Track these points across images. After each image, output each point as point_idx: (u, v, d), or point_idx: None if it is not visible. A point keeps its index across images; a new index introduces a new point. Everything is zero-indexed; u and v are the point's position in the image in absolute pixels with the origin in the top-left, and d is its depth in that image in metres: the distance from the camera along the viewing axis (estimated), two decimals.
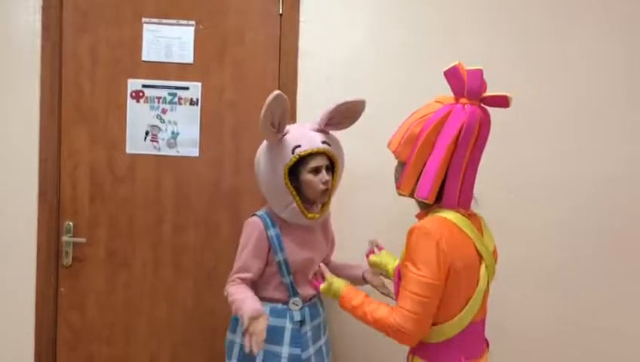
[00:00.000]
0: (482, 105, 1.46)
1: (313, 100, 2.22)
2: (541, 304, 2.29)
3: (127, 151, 2.25)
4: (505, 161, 2.24)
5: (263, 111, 1.68)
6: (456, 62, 1.44)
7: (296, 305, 1.83)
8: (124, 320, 2.27)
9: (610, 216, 2.28)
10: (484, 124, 1.46)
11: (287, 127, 1.81)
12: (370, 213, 2.25)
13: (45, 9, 2.21)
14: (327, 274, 1.67)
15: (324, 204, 1.85)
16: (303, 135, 1.80)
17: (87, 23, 2.23)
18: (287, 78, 2.25)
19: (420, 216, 1.54)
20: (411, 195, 1.50)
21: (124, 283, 2.26)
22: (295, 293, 1.83)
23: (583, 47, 2.27)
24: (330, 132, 1.88)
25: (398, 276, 1.49)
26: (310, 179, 1.78)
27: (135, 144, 2.25)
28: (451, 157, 1.43)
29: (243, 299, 1.71)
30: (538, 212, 2.28)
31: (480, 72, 1.43)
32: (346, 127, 1.88)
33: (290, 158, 1.76)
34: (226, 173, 2.26)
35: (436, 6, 2.26)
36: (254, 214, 1.87)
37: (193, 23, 2.24)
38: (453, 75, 1.44)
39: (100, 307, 2.26)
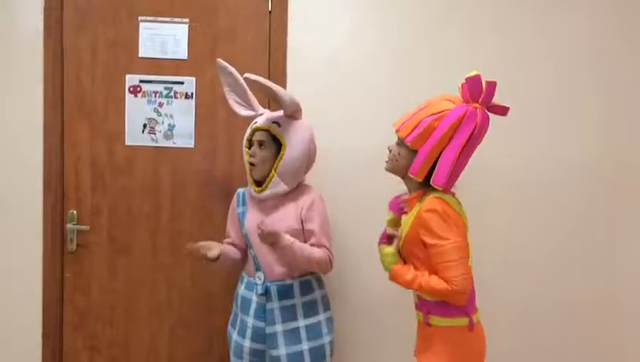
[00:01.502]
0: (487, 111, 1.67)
1: (303, 94, 2.30)
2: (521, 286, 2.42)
3: (127, 143, 2.37)
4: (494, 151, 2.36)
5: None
6: (477, 72, 1.63)
7: (259, 278, 1.97)
8: (126, 302, 2.39)
9: (586, 203, 2.40)
10: (487, 126, 1.68)
11: (268, 110, 2.07)
12: (360, 198, 2.37)
13: (47, 10, 2.32)
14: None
15: (265, 181, 1.97)
16: (265, 114, 2.04)
17: (86, 22, 2.34)
18: (276, 72, 2.36)
19: (414, 198, 1.72)
20: (423, 180, 1.67)
21: (125, 268, 2.39)
22: (257, 267, 1.98)
23: (557, 41, 2.38)
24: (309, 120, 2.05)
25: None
26: (245, 152, 2.01)
27: (134, 136, 2.37)
28: (461, 152, 1.64)
29: None
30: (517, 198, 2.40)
31: (495, 84, 1.63)
32: (281, 109, 2.00)
33: (248, 132, 2.02)
34: (219, 162, 2.38)
35: (414, 1, 2.36)
36: (241, 189, 2.14)
37: (187, 21, 2.35)
38: (475, 82, 1.63)
39: (102, 290, 2.39)
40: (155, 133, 2.38)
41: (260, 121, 2.01)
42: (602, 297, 2.42)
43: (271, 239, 1.86)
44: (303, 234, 1.97)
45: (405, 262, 1.75)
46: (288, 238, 1.88)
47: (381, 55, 2.37)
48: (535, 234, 2.40)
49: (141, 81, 2.36)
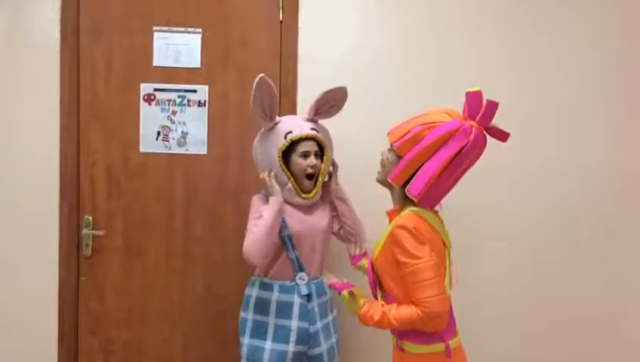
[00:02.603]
0: (485, 131, 1.58)
1: (312, 99, 2.38)
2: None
3: (141, 150, 2.42)
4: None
5: (252, 99, 1.89)
6: (478, 88, 1.56)
7: (303, 279, 1.98)
8: (140, 305, 2.44)
9: (594, 204, 2.44)
10: (481, 148, 1.59)
11: (280, 117, 2.02)
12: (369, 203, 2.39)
13: (63, 20, 2.38)
14: (357, 292, 1.72)
15: (316, 186, 2.02)
16: (293, 123, 2.02)
17: (101, 32, 2.39)
18: (287, 80, 2.40)
19: (393, 212, 1.68)
20: (400, 187, 1.63)
21: (139, 272, 2.44)
22: (301, 268, 1.98)
23: (566, 44, 2.43)
24: (320, 121, 2.07)
25: (371, 266, 1.69)
26: (300, 162, 1.97)
27: (148, 143, 2.42)
28: (445, 167, 1.56)
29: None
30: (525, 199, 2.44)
31: (497, 104, 1.55)
32: (333, 115, 2.07)
33: (283, 143, 1.96)
34: (231, 169, 2.43)
35: (422, 9, 2.41)
36: (259, 193, 2.06)
37: (200, 30, 2.41)
38: (474, 99, 1.56)
39: (117, 294, 2.44)
40: (168, 140, 2.43)
41: (302, 131, 1.98)
42: (612, 304, 2.45)
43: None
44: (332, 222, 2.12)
45: (380, 284, 1.68)
46: None
47: (389, 61, 2.42)
48: (544, 239, 2.44)
49: (155, 90, 2.41)
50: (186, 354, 2.45)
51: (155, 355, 2.45)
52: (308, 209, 2.05)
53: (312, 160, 1.98)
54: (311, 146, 1.99)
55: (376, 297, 1.72)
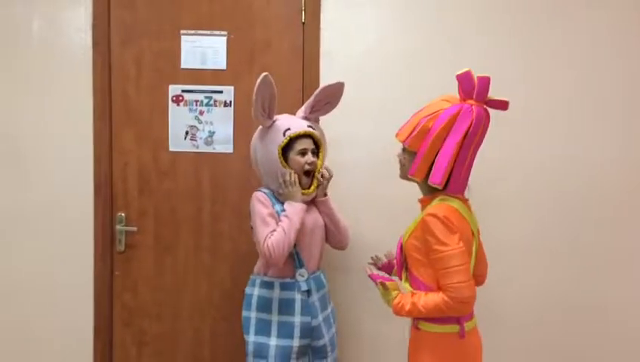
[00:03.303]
0: (485, 106, 1.66)
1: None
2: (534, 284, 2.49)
3: (170, 149, 2.51)
4: (507, 148, 2.46)
5: (254, 96, 1.95)
6: (467, 69, 1.65)
7: (302, 276, 2.03)
8: (171, 299, 2.54)
9: (602, 201, 2.47)
10: (486, 124, 1.67)
11: (277, 115, 2.08)
12: (382, 199, 2.46)
13: (95, 26, 2.48)
14: (390, 284, 1.78)
15: (313, 183, 2.07)
16: (291, 120, 2.08)
17: (131, 37, 2.49)
18: (310, 80, 2.47)
19: (424, 201, 1.76)
20: (422, 181, 1.71)
21: (170, 267, 2.54)
22: (301, 264, 2.04)
23: (578, 38, 2.46)
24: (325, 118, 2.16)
25: (400, 250, 1.76)
26: (298, 160, 2.03)
27: (176, 143, 2.52)
28: (459, 150, 1.64)
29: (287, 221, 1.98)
30: (533, 195, 2.48)
31: (488, 79, 1.63)
32: (328, 112, 2.13)
33: (282, 140, 2.01)
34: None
35: (442, 9, 2.46)
36: (259, 190, 2.08)
37: (225, 33, 2.49)
38: (465, 79, 1.64)
39: (149, 288, 2.54)
40: (196, 140, 2.52)
41: (300, 128, 2.03)
42: (620, 300, 2.48)
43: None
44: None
45: (408, 268, 1.76)
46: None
47: (409, 61, 2.47)
48: (553, 234, 2.48)
49: (183, 91, 2.51)
50: (215, 345, 2.55)
51: (185, 346, 2.55)
52: (307, 203, 2.09)
53: (310, 157, 2.04)
54: (308, 144, 2.05)
55: (401, 278, 1.80)
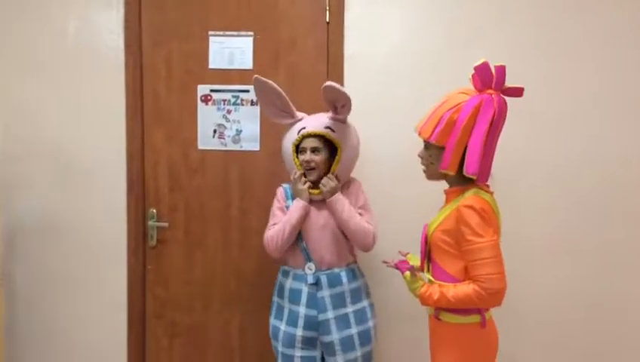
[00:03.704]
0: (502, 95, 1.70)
1: (359, 98, 2.44)
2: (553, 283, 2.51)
3: (199, 147, 2.59)
4: (532, 144, 2.48)
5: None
6: (484, 59, 1.68)
7: (310, 269, 2.11)
8: (201, 292, 2.62)
9: (622, 198, 2.48)
10: (506, 110, 1.71)
11: (304, 114, 2.19)
12: (413, 200, 2.48)
13: (127, 29, 2.57)
14: (419, 275, 1.81)
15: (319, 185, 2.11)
16: (311, 119, 2.15)
17: (162, 38, 2.57)
18: (334, 78, 2.49)
19: (453, 192, 1.77)
20: (455, 173, 1.72)
21: (200, 261, 2.62)
22: (309, 258, 2.12)
23: (600, 36, 2.47)
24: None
25: (425, 240, 1.81)
26: (300, 157, 2.12)
27: (205, 141, 2.59)
28: (486, 139, 1.67)
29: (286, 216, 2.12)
30: (550, 192, 2.50)
31: (504, 67, 1.66)
32: (345, 114, 2.11)
33: (295, 138, 2.11)
34: (283, 163, 2.57)
35: (465, 8, 2.49)
36: (281, 185, 2.26)
37: (252, 34, 2.55)
38: (484, 70, 1.67)
39: (180, 281, 2.63)
40: (224, 138, 2.59)
41: (311, 127, 2.11)
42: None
43: (332, 192, 2.08)
44: None
45: (431, 259, 1.79)
46: (343, 197, 2.09)
47: (432, 58, 2.50)
48: (575, 232, 2.49)
49: (211, 91, 2.58)
50: (244, 336, 2.62)
51: (215, 337, 2.63)
52: (317, 204, 2.13)
53: (307, 156, 2.10)
54: (312, 143, 2.10)
55: (422, 269, 1.84)
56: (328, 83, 2.00)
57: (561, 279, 2.50)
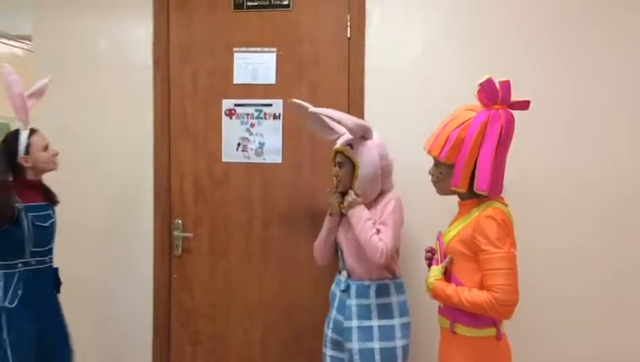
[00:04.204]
0: (509, 109, 1.72)
1: (379, 112, 2.53)
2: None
3: (223, 160, 2.66)
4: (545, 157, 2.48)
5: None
6: (488, 76, 1.71)
7: (343, 276, 2.21)
8: (224, 301, 2.68)
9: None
10: (513, 124, 1.72)
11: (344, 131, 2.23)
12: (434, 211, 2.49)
13: (155, 46, 2.68)
14: (441, 264, 1.81)
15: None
16: (344, 135, 2.23)
17: (188, 55, 2.67)
18: (355, 92, 2.56)
19: (467, 205, 1.79)
20: (467, 190, 1.75)
21: (223, 271, 2.68)
22: (344, 267, 2.22)
23: (622, 46, 2.44)
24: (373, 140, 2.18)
25: (442, 246, 1.82)
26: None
27: (229, 154, 2.67)
28: (495, 154, 1.69)
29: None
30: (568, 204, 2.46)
31: (509, 82, 1.70)
32: (335, 135, 2.26)
33: (333, 153, 2.24)
34: (304, 176, 2.63)
35: (486, 24, 2.50)
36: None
37: (275, 50, 2.62)
38: (489, 86, 1.70)
39: (204, 290, 2.69)
40: (247, 151, 2.66)
41: (338, 143, 2.21)
42: None
43: (350, 206, 2.14)
44: None
45: (445, 270, 1.78)
46: (362, 210, 2.12)
47: (452, 76, 2.50)
48: (595, 243, 2.46)
49: (235, 105, 2.66)
50: (264, 345, 2.67)
51: (237, 345, 2.69)
52: (346, 217, 2.20)
53: (334, 170, 2.21)
54: (337, 158, 2.20)
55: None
56: (311, 109, 2.18)
57: (582, 290, 2.46)
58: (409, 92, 2.54)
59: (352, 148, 2.17)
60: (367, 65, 2.57)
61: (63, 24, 2.77)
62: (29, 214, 2.20)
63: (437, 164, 1.83)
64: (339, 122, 2.14)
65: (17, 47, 4.01)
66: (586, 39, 2.46)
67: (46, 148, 2.27)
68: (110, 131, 2.72)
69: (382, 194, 2.20)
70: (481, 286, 1.70)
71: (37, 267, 2.25)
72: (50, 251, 2.31)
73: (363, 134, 2.18)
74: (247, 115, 2.66)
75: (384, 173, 2.17)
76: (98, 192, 2.72)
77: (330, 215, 2.26)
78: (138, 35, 2.70)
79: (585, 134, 2.46)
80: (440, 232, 1.89)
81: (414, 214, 2.50)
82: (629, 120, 2.45)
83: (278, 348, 2.66)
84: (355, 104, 2.56)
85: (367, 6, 2.55)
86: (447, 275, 1.80)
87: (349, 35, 2.57)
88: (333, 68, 2.59)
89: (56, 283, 2.37)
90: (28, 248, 2.20)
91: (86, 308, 2.73)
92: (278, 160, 2.64)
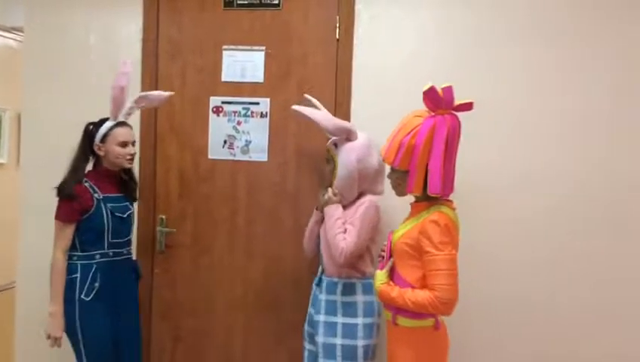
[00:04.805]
0: (454, 112, 1.83)
1: (366, 112, 2.55)
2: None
3: (209, 156, 2.68)
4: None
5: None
6: (430, 84, 1.79)
7: (319, 272, 2.29)
8: (206, 296, 2.68)
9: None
10: (459, 127, 1.84)
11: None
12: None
13: (144, 42, 2.69)
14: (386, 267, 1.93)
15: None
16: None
17: (177, 52, 2.68)
18: (342, 93, 2.58)
19: (419, 207, 1.89)
20: (421, 194, 1.84)
21: (206, 266, 2.69)
22: (321, 263, 2.29)
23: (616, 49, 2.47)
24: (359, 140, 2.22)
25: (390, 251, 1.91)
26: None
27: (215, 151, 2.68)
28: (444, 158, 1.79)
29: None
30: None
31: (451, 87, 1.80)
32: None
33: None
34: (289, 174, 2.64)
35: (475, 24, 2.52)
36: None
37: (263, 48, 2.64)
38: (431, 93, 1.79)
39: (186, 286, 2.70)
40: (233, 148, 2.67)
41: (328, 142, 2.26)
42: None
43: (324, 204, 2.21)
44: None
45: (392, 265, 1.91)
46: (336, 209, 2.16)
47: (440, 78, 2.51)
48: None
49: (223, 102, 2.67)
50: (246, 341, 2.67)
51: (218, 341, 2.69)
52: (319, 213, 2.30)
53: (324, 165, 2.28)
54: (326, 154, 2.26)
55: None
56: (293, 107, 2.23)
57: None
58: (397, 93, 2.55)
59: (336, 147, 2.20)
60: (355, 65, 2.59)
61: (54, 19, 2.77)
62: (108, 205, 2.23)
63: (393, 170, 1.93)
64: (318, 123, 2.17)
65: (11, 39, 4.00)
66: (579, 38, 2.48)
67: (124, 144, 2.28)
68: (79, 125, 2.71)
69: (360, 196, 2.22)
70: (423, 284, 1.80)
71: (115, 259, 2.27)
72: (128, 243, 2.35)
73: (345, 136, 2.20)
74: (235, 112, 2.67)
75: (362, 175, 2.18)
76: None
77: (317, 208, 2.31)
78: (127, 31, 2.71)
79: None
80: (391, 232, 1.98)
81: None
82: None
83: (261, 344, 2.66)
84: (342, 104, 2.58)
85: (357, 7, 2.58)
86: (392, 271, 1.91)
87: (337, 36, 2.59)
88: (321, 68, 2.61)
89: (137, 276, 2.41)
90: (106, 238, 2.23)
91: None
92: (264, 158, 2.65)
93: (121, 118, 2.32)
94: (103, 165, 2.30)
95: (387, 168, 2.04)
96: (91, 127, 2.30)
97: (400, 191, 1.95)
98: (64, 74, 2.76)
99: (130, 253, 2.39)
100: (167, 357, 2.72)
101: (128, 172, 2.39)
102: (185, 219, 2.69)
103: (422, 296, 1.76)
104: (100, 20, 2.74)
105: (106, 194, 2.25)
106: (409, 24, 2.57)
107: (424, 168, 1.81)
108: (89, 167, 2.31)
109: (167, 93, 2.42)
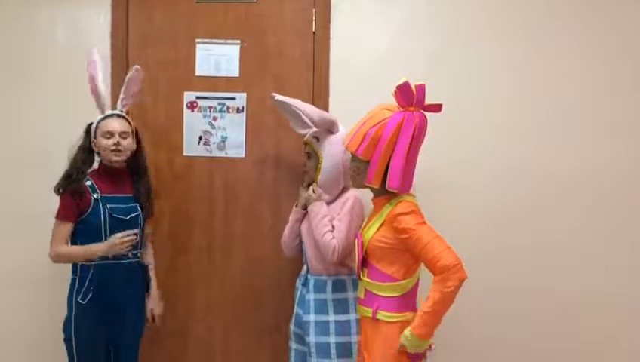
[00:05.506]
0: (422, 111, 1.84)
1: (343, 106, 2.52)
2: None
3: (185, 153, 2.61)
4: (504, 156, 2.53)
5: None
6: (405, 79, 1.80)
7: (304, 270, 2.26)
8: (185, 297, 2.62)
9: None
10: (426, 126, 1.85)
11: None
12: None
13: (114, 34, 2.59)
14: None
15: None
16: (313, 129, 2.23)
17: (149, 45, 2.60)
18: (319, 87, 2.56)
19: (380, 201, 1.90)
20: (379, 186, 1.85)
21: (184, 266, 2.62)
22: (305, 261, 2.26)
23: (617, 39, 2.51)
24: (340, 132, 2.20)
25: (361, 247, 1.90)
26: None
27: (190, 147, 2.61)
28: (407, 154, 1.79)
29: None
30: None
31: (424, 86, 1.81)
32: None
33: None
34: (267, 171, 2.60)
35: (452, 19, 2.53)
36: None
37: (238, 42, 2.58)
38: (405, 89, 1.80)
39: (163, 286, 2.59)
40: (209, 145, 2.61)
41: (306, 136, 2.21)
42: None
43: (307, 201, 2.18)
44: None
45: (368, 264, 1.89)
46: (320, 206, 2.13)
47: (416, 71, 2.50)
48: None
49: (197, 97, 2.60)
50: (226, 343, 2.63)
51: (198, 343, 2.63)
52: (300, 209, 2.27)
53: (304, 160, 2.25)
54: (307, 148, 2.23)
55: (359, 276, 1.93)
56: (275, 96, 2.21)
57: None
58: (374, 86, 2.50)
59: (317, 140, 2.16)
60: (332, 59, 2.57)
61: (20, 12, 2.64)
62: (108, 205, 2.13)
63: (354, 158, 1.91)
64: (302, 112, 2.13)
65: None
66: (564, 28, 2.51)
67: (109, 135, 2.15)
68: (66, 123, 2.59)
69: (344, 190, 2.20)
70: (407, 272, 1.80)
71: (116, 262, 2.15)
72: (133, 247, 2.18)
73: (328, 128, 2.17)
74: (210, 107, 2.61)
75: (347, 168, 2.15)
76: (52, 185, 2.61)
77: (296, 206, 2.26)
78: (96, 24, 2.60)
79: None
80: (360, 233, 1.96)
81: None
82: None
83: (241, 345, 2.62)
84: (319, 98, 2.55)
85: (333, 0, 2.53)
86: (369, 267, 1.89)
87: (314, 30, 2.56)
88: (297, 62, 2.58)
89: (145, 281, 2.30)
90: (104, 241, 2.12)
91: (41, 303, 2.61)
92: (241, 154, 2.60)
93: (117, 111, 2.25)
94: (102, 162, 2.22)
95: None
96: (89, 125, 2.22)
97: (358, 182, 1.93)
98: (30, 68, 2.63)
99: (137, 257, 2.25)
100: (145, 360, 2.64)
101: (138, 172, 2.28)
102: (161, 217, 2.61)
103: (432, 292, 1.72)
104: (66, 13, 2.62)
105: (107, 194, 2.16)
106: (386, 17, 2.56)
107: (386, 161, 1.81)
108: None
109: (133, 68, 2.27)
